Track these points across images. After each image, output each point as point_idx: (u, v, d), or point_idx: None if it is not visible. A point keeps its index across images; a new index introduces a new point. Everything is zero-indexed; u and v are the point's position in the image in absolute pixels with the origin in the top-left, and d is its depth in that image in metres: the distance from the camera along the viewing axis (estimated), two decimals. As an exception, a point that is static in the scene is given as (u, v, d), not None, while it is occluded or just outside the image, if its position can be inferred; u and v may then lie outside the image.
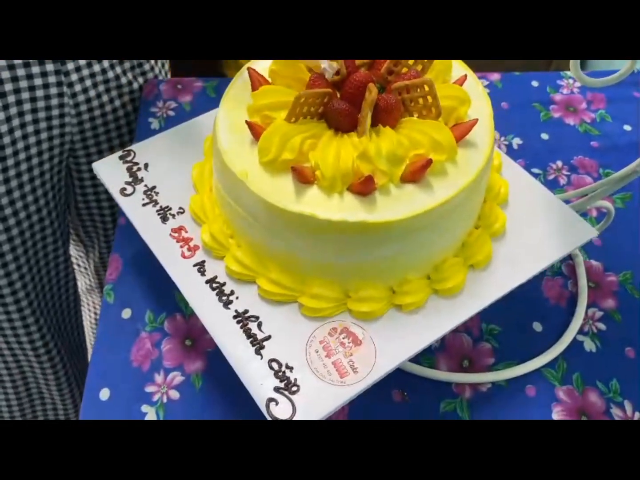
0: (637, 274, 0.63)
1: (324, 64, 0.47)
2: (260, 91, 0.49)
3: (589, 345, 0.58)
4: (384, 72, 0.49)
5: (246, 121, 0.48)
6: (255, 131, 0.48)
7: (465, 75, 0.51)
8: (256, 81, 0.50)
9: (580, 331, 0.59)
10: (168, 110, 0.78)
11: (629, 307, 0.61)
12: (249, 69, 0.51)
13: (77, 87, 0.73)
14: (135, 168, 0.56)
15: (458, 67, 0.52)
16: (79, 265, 1.08)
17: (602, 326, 0.60)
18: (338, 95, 0.48)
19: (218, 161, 0.49)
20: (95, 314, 1.14)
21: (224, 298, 0.49)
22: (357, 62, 0.50)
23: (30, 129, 0.71)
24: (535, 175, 0.72)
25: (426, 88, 0.46)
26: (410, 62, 0.48)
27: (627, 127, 0.78)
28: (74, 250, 1.05)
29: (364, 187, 0.45)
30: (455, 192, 0.46)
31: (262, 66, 0.52)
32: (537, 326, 0.59)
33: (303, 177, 0.46)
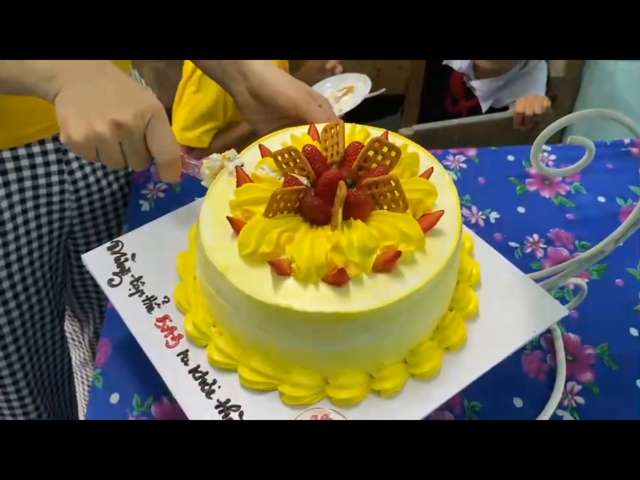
0: (614, 345, 0.65)
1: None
2: (242, 188, 0.52)
3: (569, 419, 0.59)
4: (355, 168, 0.52)
5: (227, 217, 0.51)
6: (236, 226, 0.50)
7: (432, 168, 0.54)
8: (242, 179, 0.53)
9: (560, 405, 0.60)
10: (158, 192, 0.81)
11: (607, 380, 0.62)
12: (236, 167, 0.54)
13: (78, 174, 0.76)
14: (122, 259, 0.59)
15: (426, 159, 0.56)
16: (73, 339, 1.09)
17: (580, 400, 0.61)
18: (312, 191, 0.51)
19: (201, 255, 0.52)
20: (89, 386, 1.14)
21: (207, 388, 0.50)
22: (329, 160, 0.53)
23: (31, 214, 0.74)
24: (513, 249, 0.74)
25: (392, 184, 0.48)
26: (379, 157, 0.51)
27: (601, 199, 0.81)
28: (68, 325, 1.07)
29: (337, 279, 0.47)
30: (425, 280, 0.48)
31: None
32: (518, 401, 0.60)
33: (280, 270, 0.48)
